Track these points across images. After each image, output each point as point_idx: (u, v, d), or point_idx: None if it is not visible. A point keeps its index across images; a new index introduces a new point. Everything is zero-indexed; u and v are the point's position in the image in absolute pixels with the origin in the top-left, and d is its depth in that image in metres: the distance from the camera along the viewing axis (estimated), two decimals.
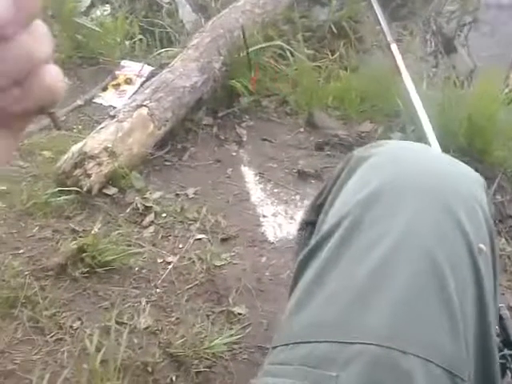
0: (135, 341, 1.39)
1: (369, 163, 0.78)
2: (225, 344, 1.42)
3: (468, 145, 2.02)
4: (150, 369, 1.34)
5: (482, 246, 0.69)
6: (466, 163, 2.17)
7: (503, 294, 1.63)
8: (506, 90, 2.30)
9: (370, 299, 0.62)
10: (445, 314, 0.61)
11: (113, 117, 1.91)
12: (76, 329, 1.41)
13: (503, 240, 1.81)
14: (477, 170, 2.14)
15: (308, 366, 0.59)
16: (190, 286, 1.57)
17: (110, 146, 1.78)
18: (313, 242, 0.73)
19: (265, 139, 2.21)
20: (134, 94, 2.28)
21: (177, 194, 1.89)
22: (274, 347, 0.65)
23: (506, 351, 1.27)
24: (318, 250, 0.70)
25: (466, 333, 0.62)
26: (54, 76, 0.33)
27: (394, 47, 2.11)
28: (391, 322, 0.60)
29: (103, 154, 1.78)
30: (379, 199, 0.71)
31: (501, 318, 1.31)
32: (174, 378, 1.35)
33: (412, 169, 0.77)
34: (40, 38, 0.32)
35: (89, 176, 1.76)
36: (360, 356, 0.57)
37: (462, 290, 0.64)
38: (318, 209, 0.83)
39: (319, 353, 0.59)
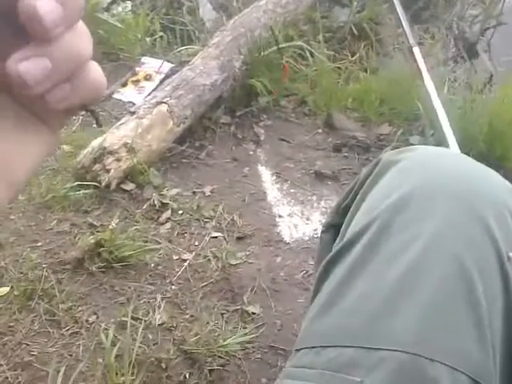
0: (150, 337, 1.40)
1: (398, 168, 0.78)
2: (238, 343, 1.42)
3: (488, 150, 2.00)
4: (163, 365, 1.34)
5: (511, 254, 0.69)
6: None
7: None
8: None
9: (398, 304, 0.61)
10: (472, 319, 0.61)
11: (133, 113, 1.92)
12: (92, 323, 1.42)
13: None
14: None
15: (332, 371, 0.58)
16: (205, 283, 1.58)
17: (129, 141, 1.79)
18: (339, 245, 0.72)
19: (282, 139, 2.21)
20: (153, 90, 2.29)
21: (193, 192, 1.90)
22: (298, 349, 0.65)
23: None
24: (345, 254, 0.70)
25: (493, 340, 0.61)
26: (97, 72, 0.33)
27: (416, 50, 2.10)
28: (418, 328, 0.60)
29: (122, 150, 1.80)
30: (409, 203, 0.70)
31: None
32: (187, 375, 1.36)
33: (442, 174, 0.76)
34: (83, 36, 0.33)
35: (107, 171, 1.77)
36: (385, 362, 0.57)
37: (490, 295, 0.63)
38: (342, 212, 0.82)
39: (344, 358, 0.59)
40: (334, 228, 0.84)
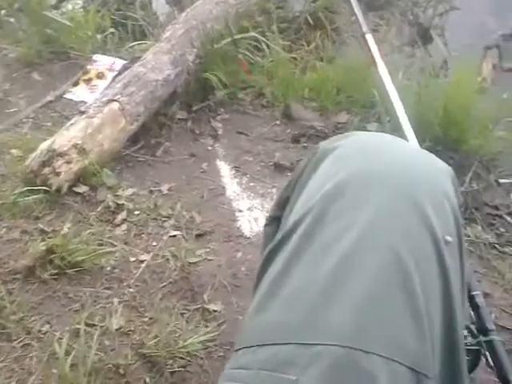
0: (106, 343, 1.35)
1: (334, 155, 0.76)
2: (200, 342, 1.39)
3: (443, 134, 2.01)
4: (122, 371, 1.30)
5: (448, 237, 0.68)
6: (442, 152, 2.17)
7: (479, 282, 1.63)
8: (480, 79, 2.29)
9: (334, 296, 0.60)
10: (409, 309, 0.59)
11: (82, 112, 1.86)
12: (45, 333, 1.36)
13: (479, 227, 1.81)
14: (452, 159, 2.13)
15: (268, 370, 0.56)
16: (164, 284, 1.54)
17: (79, 142, 1.73)
18: (278, 237, 0.70)
19: (240, 132, 2.18)
20: (106, 88, 2.22)
21: (150, 191, 1.85)
22: (237, 350, 0.62)
23: (481, 338, 1.27)
24: (283, 245, 0.68)
25: (431, 328, 0.60)
26: None
27: (369, 37, 2.09)
28: (354, 320, 0.58)
29: (72, 152, 1.74)
30: (344, 192, 0.69)
31: (476, 306, 1.31)
32: (147, 380, 1.32)
33: (378, 161, 0.75)
34: None
35: (58, 174, 1.71)
36: (320, 358, 0.55)
37: (426, 283, 0.62)
38: (284, 203, 0.80)
39: (280, 355, 0.57)
40: (277, 220, 0.82)
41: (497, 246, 1.72)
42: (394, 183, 0.71)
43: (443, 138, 2.01)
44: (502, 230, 1.79)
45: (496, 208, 1.86)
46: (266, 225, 0.88)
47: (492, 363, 1.22)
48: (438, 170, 0.80)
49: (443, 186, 0.76)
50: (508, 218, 1.82)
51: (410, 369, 0.57)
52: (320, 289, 0.61)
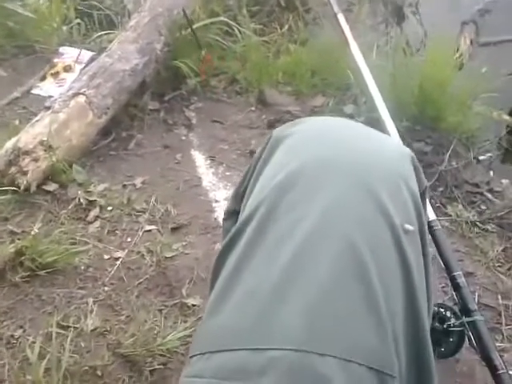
0: (82, 344, 1.31)
1: (287, 143, 0.72)
2: (179, 338, 1.35)
3: (420, 113, 1.98)
4: (99, 372, 1.26)
5: (407, 226, 0.64)
6: (420, 131, 2.12)
7: (461, 261, 1.61)
8: (457, 55, 2.26)
9: (286, 295, 0.56)
10: (366, 303, 0.56)
11: (48, 108, 1.79)
12: (17, 338, 1.31)
13: (460, 206, 1.79)
14: (431, 138, 2.09)
15: (220, 379, 0.52)
16: (140, 280, 1.50)
17: (45, 139, 1.66)
18: (232, 231, 0.66)
19: (215, 121, 2.13)
20: (73, 81, 2.15)
21: (123, 185, 1.80)
22: (192, 356, 0.58)
23: (464, 319, 1.25)
24: (237, 240, 0.64)
25: (392, 322, 0.57)
26: None
27: (340, 17, 2.04)
28: (308, 320, 0.54)
29: (39, 149, 1.67)
30: (296, 182, 0.65)
31: (458, 287, 1.29)
32: (126, 380, 1.28)
33: (332, 147, 0.71)
34: None
35: (25, 173, 1.65)
36: (274, 364, 0.51)
37: (384, 273, 0.59)
38: (241, 195, 0.76)
39: (234, 363, 0.53)
40: (236, 214, 0.78)
41: (478, 223, 1.70)
42: (347, 170, 0.67)
43: (421, 117, 1.98)
44: (483, 207, 1.78)
45: (476, 185, 1.84)
46: (224, 219, 0.84)
47: (475, 343, 1.21)
48: (397, 154, 0.76)
49: (401, 170, 0.72)
50: (489, 195, 1.81)
51: (371, 368, 0.53)
52: (272, 288, 0.57)
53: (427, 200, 0.95)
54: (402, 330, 0.58)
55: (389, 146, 0.78)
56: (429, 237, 0.87)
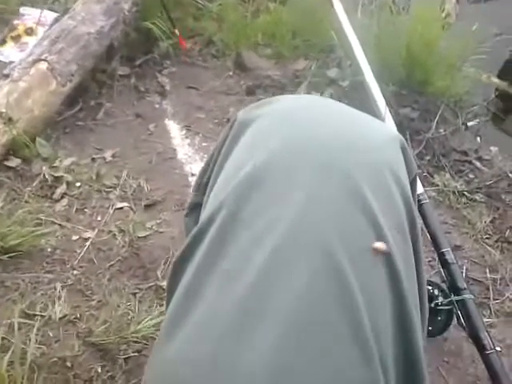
0: (50, 334, 1.23)
1: (254, 128, 0.62)
2: (154, 324, 1.27)
3: (408, 76, 1.88)
4: (69, 363, 1.19)
5: (376, 244, 0.54)
6: (407, 96, 2.01)
7: (449, 233, 1.55)
8: (444, 15, 2.14)
9: (249, 328, 0.47)
10: (350, 333, 0.47)
11: (6, 76, 1.64)
12: None
13: (447, 175, 1.72)
14: (418, 103, 1.98)
15: None
16: (112, 262, 1.41)
17: (3, 111, 1.53)
18: (192, 233, 0.57)
19: (190, 87, 1.99)
20: (34, 46, 1.98)
21: (92, 159, 1.68)
22: None
23: (452, 297, 1.20)
24: (196, 247, 0.54)
25: (381, 352, 0.48)
26: None
27: None
28: (275, 361, 0.45)
29: None
30: (262, 181, 0.55)
31: (446, 264, 1.22)
32: (98, 370, 1.21)
33: (305, 132, 0.60)
34: None
35: None
36: None
37: (369, 287, 0.50)
38: (205, 187, 0.66)
39: None
40: (199, 208, 0.68)
41: (466, 193, 1.63)
42: (323, 164, 0.57)
43: (407, 81, 1.88)
44: (472, 176, 1.71)
45: (465, 153, 1.77)
46: (185, 214, 0.74)
47: (464, 322, 1.16)
48: (383, 137, 0.66)
49: (390, 160, 0.62)
50: (477, 164, 1.73)
51: None
52: (232, 318, 0.48)
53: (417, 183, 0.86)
54: (390, 347, 0.50)
55: (375, 130, 0.68)
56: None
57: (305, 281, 0.48)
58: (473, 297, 1.18)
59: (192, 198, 0.73)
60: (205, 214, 0.57)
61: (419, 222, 0.65)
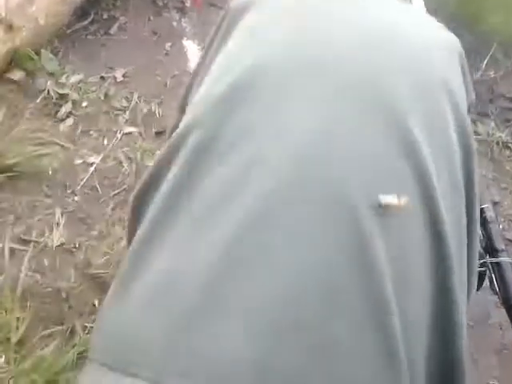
0: (45, 262, 1.15)
1: (246, 23, 0.48)
2: None
3: (459, 7, 1.66)
4: (64, 294, 1.12)
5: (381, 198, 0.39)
6: (455, 30, 1.79)
7: (487, 188, 1.41)
8: None
9: (218, 304, 0.34)
10: (366, 311, 0.34)
11: None
12: None
13: (492, 124, 1.54)
14: (466, 40, 1.78)
15: None
16: (117, 191, 1.31)
17: (3, 15, 1.38)
18: (157, 157, 0.44)
19: (213, 4, 1.80)
20: None
21: (101, 77, 1.55)
22: (90, 359, 0.40)
23: (487, 258, 1.08)
24: (159, 180, 0.42)
25: (407, 338, 0.36)
26: None
27: None
28: (255, 344, 0.33)
29: None
30: (247, 95, 0.41)
31: (485, 221, 1.09)
32: (96, 303, 1.14)
33: (324, 28, 0.44)
34: None
35: None
36: None
37: (401, 260, 0.37)
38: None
39: None
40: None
41: (511, 145, 1.46)
42: (346, 71, 0.42)
43: (458, 13, 1.66)
44: None
45: None
46: (168, 138, 0.60)
47: (497, 287, 1.05)
48: (439, 45, 0.50)
49: (444, 75, 0.47)
50: None
51: None
52: (197, 285, 0.36)
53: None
54: (424, 343, 0.38)
55: (428, 31, 0.51)
56: None
57: (310, 237, 0.35)
58: (510, 260, 1.06)
59: (173, 121, 0.59)
60: (175, 133, 0.44)
61: (476, 164, 0.51)
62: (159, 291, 0.37)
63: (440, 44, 0.50)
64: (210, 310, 0.34)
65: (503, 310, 0.99)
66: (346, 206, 0.36)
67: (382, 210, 0.37)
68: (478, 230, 0.53)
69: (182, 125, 0.45)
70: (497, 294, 1.04)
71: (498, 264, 1.05)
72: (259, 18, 0.49)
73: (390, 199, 0.38)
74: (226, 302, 0.34)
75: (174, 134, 0.44)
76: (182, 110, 0.53)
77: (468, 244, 0.46)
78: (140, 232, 0.41)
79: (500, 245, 1.07)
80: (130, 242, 0.44)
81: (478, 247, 0.50)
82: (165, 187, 0.41)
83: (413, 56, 0.46)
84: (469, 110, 0.60)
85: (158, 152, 0.47)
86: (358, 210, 0.36)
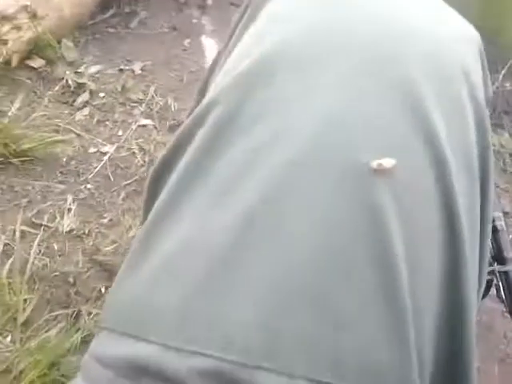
0: (55, 246, 1.16)
1: (269, 10, 0.48)
2: None
3: (480, 17, 1.65)
4: (71, 279, 1.13)
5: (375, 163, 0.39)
6: None
7: (499, 198, 1.40)
8: None
9: (236, 270, 0.35)
10: (381, 297, 0.35)
11: None
12: None
13: (506, 135, 1.54)
14: (485, 51, 1.77)
15: (125, 378, 0.35)
16: (129, 181, 1.32)
17: (28, 3, 1.40)
18: (176, 135, 0.45)
19: (233, 3, 1.82)
20: None
21: (120, 69, 1.56)
22: (103, 328, 0.40)
23: (495, 266, 1.08)
24: (178, 156, 0.43)
25: (418, 318, 0.36)
26: None
27: None
28: (266, 317, 0.34)
29: (22, 16, 1.42)
30: (276, 68, 0.41)
31: (495, 230, 1.09)
32: (102, 289, 1.15)
33: (341, 24, 0.45)
34: None
35: (5, 43, 1.41)
36: (193, 376, 0.32)
37: (416, 241, 0.37)
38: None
39: (139, 359, 0.35)
40: None
41: None
42: (369, 57, 0.43)
43: (478, 23, 1.65)
44: None
45: None
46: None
47: (503, 295, 1.04)
48: (459, 36, 0.50)
49: (464, 65, 0.47)
50: None
51: None
52: (216, 255, 0.36)
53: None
54: (432, 325, 0.38)
55: (453, 24, 0.52)
56: None
57: (324, 213, 0.36)
58: None
59: (192, 103, 0.60)
60: (197, 109, 0.45)
61: (492, 158, 0.51)
62: (176, 259, 0.38)
63: (462, 37, 0.51)
64: (225, 278, 0.35)
65: (508, 320, 0.98)
66: (360, 175, 0.37)
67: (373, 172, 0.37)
68: (490, 231, 0.53)
69: (204, 101, 0.45)
70: (503, 302, 1.04)
71: (506, 273, 1.04)
72: (283, 6, 0.50)
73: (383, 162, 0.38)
74: (243, 269, 0.35)
75: (196, 110, 0.45)
76: (202, 93, 0.54)
77: (481, 229, 0.46)
78: (158, 203, 0.42)
79: (509, 254, 1.07)
80: (148, 203, 0.44)
81: (488, 247, 0.50)
82: (186, 157, 0.42)
83: (435, 47, 0.46)
84: (486, 105, 0.60)
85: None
86: (374, 184, 0.37)
